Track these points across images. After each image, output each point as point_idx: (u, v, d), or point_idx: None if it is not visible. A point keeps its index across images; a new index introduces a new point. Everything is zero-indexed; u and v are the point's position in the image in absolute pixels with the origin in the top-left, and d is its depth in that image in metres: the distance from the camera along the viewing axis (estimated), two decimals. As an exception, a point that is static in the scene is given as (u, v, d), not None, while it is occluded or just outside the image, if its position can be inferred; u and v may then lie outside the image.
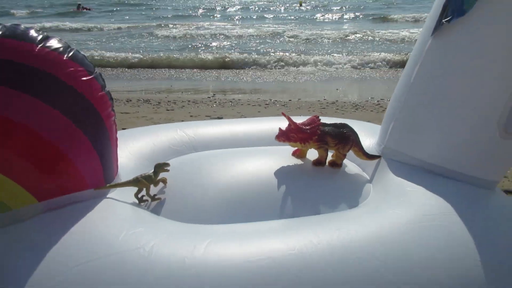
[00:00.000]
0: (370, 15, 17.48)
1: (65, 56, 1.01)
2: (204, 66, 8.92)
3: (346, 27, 14.31)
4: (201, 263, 0.90)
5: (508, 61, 1.18)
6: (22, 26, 1.01)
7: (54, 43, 1.01)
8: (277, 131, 1.31)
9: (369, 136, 1.52)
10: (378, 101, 5.56)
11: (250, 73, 8.36)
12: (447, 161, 1.28)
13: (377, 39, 11.41)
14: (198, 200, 1.19)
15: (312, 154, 1.36)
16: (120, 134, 1.31)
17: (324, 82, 7.44)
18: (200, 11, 21.69)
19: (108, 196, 1.13)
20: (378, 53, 9.28)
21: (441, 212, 1.09)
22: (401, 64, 8.08)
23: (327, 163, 1.34)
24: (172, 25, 15.14)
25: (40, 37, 1.00)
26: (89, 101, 1.03)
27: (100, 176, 1.11)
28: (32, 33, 1.00)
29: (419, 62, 1.32)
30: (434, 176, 1.27)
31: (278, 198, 1.20)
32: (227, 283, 0.87)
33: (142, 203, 1.18)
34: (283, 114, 1.32)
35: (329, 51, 10.07)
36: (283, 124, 1.31)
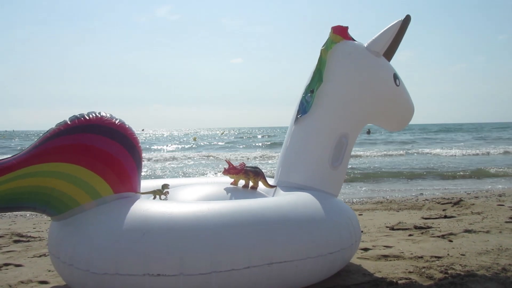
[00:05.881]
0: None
1: (126, 125, 2.13)
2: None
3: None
4: (188, 208, 1.94)
5: (327, 135, 2.58)
6: (106, 112, 2.13)
7: (121, 120, 2.13)
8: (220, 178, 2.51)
9: (270, 180, 2.77)
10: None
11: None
12: (308, 182, 2.56)
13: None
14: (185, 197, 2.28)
15: (240, 183, 2.55)
16: None
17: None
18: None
19: (141, 197, 2.16)
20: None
21: (305, 197, 2.32)
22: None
23: (249, 187, 2.53)
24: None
25: (115, 117, 2.12)
26: (137, 147, 2.13)
27: (137, 185, 2.15)
28: (113, 115, 2.12)
29: (290, 135, 2.67)
30: (303, 190, 2.52)
31: (226, 200, 2.33)
32: (196, 213, 1.90)
33: None
34: (226, 160, 2.52)
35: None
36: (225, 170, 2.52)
